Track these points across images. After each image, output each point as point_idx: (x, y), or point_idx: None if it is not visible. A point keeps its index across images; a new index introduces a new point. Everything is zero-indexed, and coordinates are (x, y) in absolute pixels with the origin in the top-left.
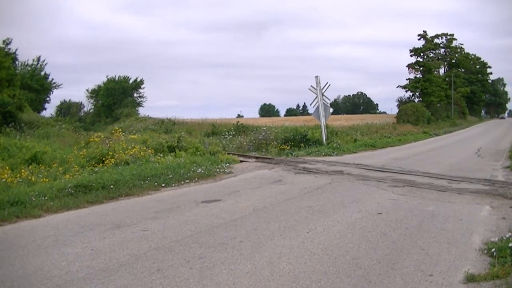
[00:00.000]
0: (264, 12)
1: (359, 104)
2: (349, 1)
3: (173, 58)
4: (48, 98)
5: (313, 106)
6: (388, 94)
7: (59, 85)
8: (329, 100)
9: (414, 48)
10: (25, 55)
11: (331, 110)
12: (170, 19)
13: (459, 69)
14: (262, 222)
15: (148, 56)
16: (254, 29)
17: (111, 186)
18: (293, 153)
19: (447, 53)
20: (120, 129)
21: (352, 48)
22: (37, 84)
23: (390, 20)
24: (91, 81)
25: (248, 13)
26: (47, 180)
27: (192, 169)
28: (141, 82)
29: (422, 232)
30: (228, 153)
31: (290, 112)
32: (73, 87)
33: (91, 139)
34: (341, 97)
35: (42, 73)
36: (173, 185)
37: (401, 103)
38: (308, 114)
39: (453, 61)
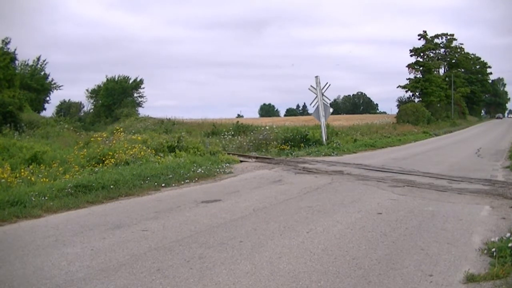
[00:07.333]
0: (264, 9)
1: (359, 104)
2: None
3: (171, 57)
4: (48, 98)
5: (313, 106)
6: (388, 94)
7: (59, 86)
8: (329, 100)
9: (414, 48)
10: (21, 54)
11: (331, 110)
12: (167, 16)
13: (459, 69)
14: (262, 222)
15: (145, 54)
16: (254, 27)
17: (111, 186)
18: (293, 153)
19: (447, 53)
20: (121, 129)
21: (353, 47)
22: (37, 84)
23: (392, 18)
24: (88, 80)
25: (248, 10)
26: (47, 180)
27: (192, 169)
28: (141, 82)
29: (422, 232)
30: (228, 153)
31: (290, 112)
32: (70, 86)
33: (92, 139)
34: (341, 97)
35: (42, 73)
36: (173, 185)
37: (401, 103)
38: (308, 114)
39: (453, 61)
